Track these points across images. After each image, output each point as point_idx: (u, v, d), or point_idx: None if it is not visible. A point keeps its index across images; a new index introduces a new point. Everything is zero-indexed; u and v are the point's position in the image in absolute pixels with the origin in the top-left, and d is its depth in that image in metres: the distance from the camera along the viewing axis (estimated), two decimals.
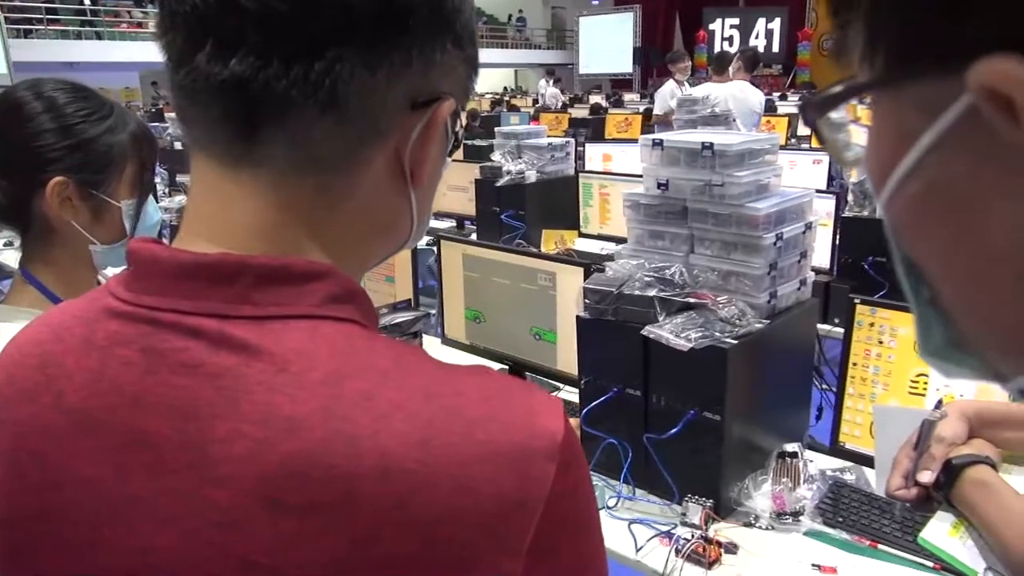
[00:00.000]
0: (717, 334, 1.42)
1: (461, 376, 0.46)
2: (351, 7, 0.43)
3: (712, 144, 1.46)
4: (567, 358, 1.95)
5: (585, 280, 1.72)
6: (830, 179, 3.76)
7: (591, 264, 1.88)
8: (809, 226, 1.58)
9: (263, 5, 0.42)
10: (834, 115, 0.31)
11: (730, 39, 20.95)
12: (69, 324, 0.49)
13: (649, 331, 1.45)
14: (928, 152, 0.25)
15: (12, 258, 1.13)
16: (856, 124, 0.33)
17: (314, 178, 0.47)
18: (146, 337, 0.45)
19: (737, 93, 5.68)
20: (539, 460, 0.43)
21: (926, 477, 0.90)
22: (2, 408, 0.49)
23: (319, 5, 0.43)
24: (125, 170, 1.10)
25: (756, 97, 5.96)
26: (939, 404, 0.94)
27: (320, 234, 0.48)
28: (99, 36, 15.85)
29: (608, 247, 3.28)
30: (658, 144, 1.55)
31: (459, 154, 5.11)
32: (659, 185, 1.56)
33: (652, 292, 1.49)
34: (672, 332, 1.43)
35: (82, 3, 16.56)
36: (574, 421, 1.72)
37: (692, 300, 1.48)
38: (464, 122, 0.55)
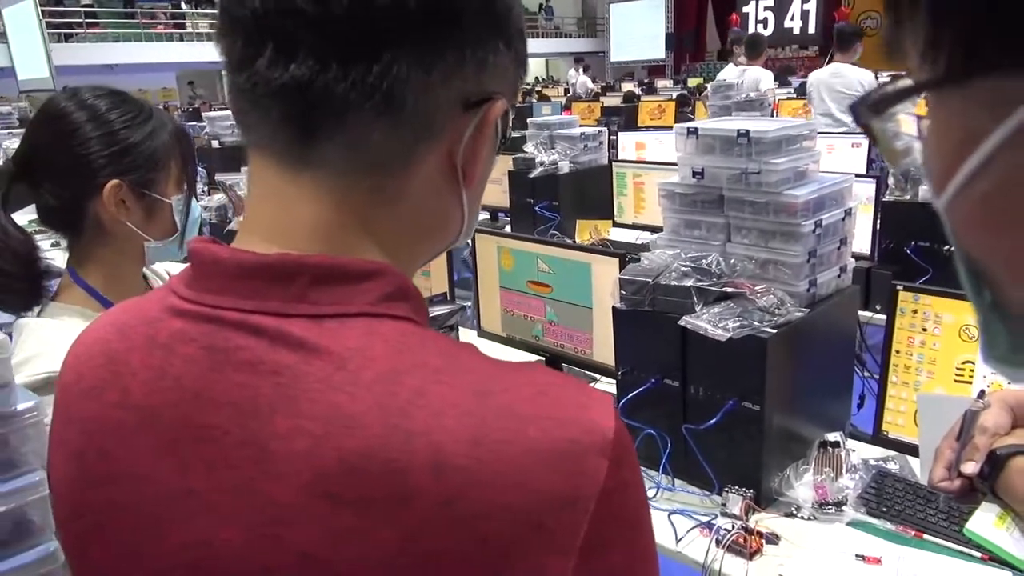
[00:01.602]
0: (756, 323, 1.41)
1: (513, 373, 0.46)
2: (406, 8, 0.44)
3: (748, 131, 1.45)
4: (603, 349, 1.95)
5: (620, 271, 1.71)
6: (870, 163, 3.68)
7: (626, 254, 1.87)
8: (849, 212, 1.56)
9: (321, 9, 0.43)
10: (901, 109, 0.30)
11: (764, 21, 20.59)
12: (134, 323, 0.51)
13: (687, 321, 1.44)
14: (997, 151, 0.25)
15: (60, 258, 1.16)
16: (908, 115, 0.32)
17: (370, 179, 0.48)
18: (208, 335, 0.46)
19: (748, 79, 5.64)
20: (591, 457, 0.43)
21: (970, 468, 0.89)
22: (71, 406, 0.51)
23: (375, 7, 0.43)
24: (171, 168, 1.14)
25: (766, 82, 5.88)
26: (982, 394, 0.92)
27: (375, 233, 0.49)
28: (137, 38, 16.15)
29: (643, 236, 3.26)
30: (693, 132, 1.54)
31: None
32: (694, 174, 1.55)
33: (689, 282, 1.48)
34: (710, 322, 1.42)
35: (122, 6, 16.89)
36: None
37: (729, 289, 1.47)
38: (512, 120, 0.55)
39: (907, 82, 0.27)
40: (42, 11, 11.30)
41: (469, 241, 2.29)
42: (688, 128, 1.54)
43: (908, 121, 0.30)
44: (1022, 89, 0.23)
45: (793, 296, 1.47)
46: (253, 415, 0.44)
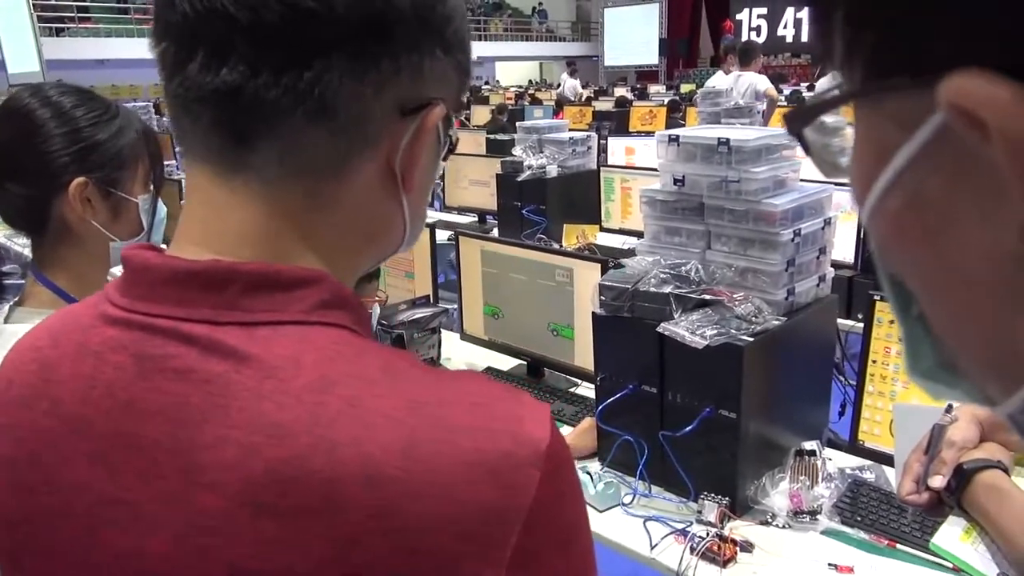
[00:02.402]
0: (733, 331, 1.41)
1: (449, 383, 0.46)
2: (339, 17, 0.44)
3: (728, 140, 1.45)
4: (585, 354, 1.95)
5: (603, 276, 1.71)
6: None
7: (608, 260, 1.88)
8: (828, 222, 1.56)
9: (253, 15, 0.43)
10: (829, 119, 0.30)
11: (757, 28, 20.69)
12: (67, 330, 0.50)
13: (664, 328, 1.45)
14: (905, 169, 0.25)
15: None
16: (837, 126, 0.32)
17: (305, 185, 0.47)
18: (139, 343, 0.46)
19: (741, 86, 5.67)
20: (523, 468, 0.43)
21: (937, 482, 0.89)
22: (2, 413, 0.50)
23: (307, 15, 0.43)
24: (137, 167, 1.13)
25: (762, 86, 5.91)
26: (950, 408, 0.93)
27: (312, 240, 0.48)
28: (129, 33, 16.07)
29: (630, 241, 3.26)
30: (674, 140, 1.54)
31: (482, 148, 5.10)
32: (675, 181, 1.55)
33: (668, 289, 1.48)
34: (687, 329, 1.42)
35: (116, 1, 16.81)
36: (587, 421, 1.72)
37: (708, 297, 1.47)
38: (457, 126, 0.55)
39: (834, 93, 0.27)
40: (33, 4, 11.24)
41: (453, 244, 2.29)
42: (669, 135, 1.55)
43: (838, 131, 0.30)
44: (926, 106, 0.22)
45: (771, 304, 1.47)
46: (183, 424, 0.43)
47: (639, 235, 2.68)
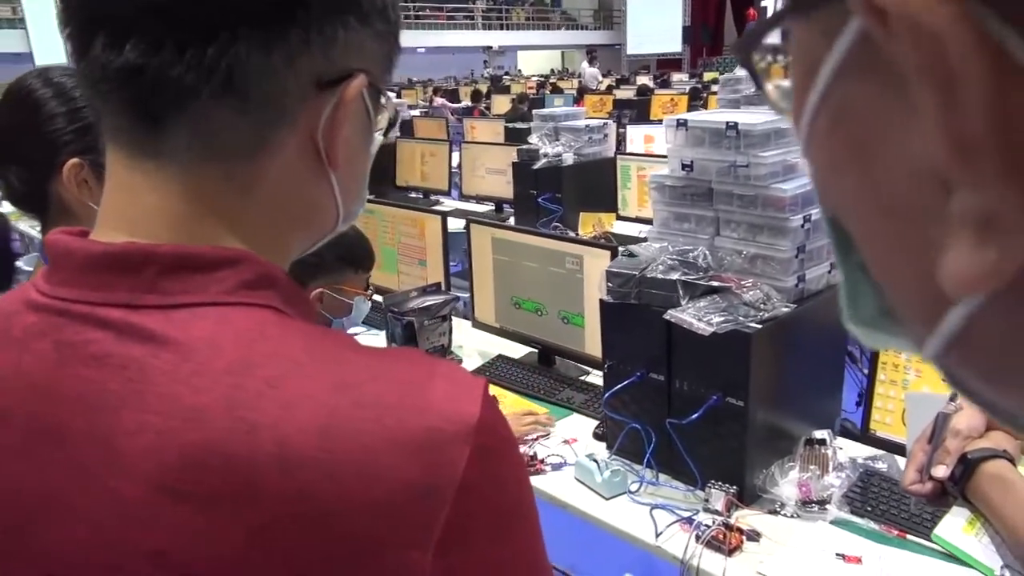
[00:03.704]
0: (741, 318, 1.39)
1: (379, 362, 0.45)
2: None
3: (736, 124, 1.43)
4: (595, 341, 1.93)
5: (611, 263, 1.70)
6: None
7: (618, 247, 1.86)
8: None
9: None
10: (774, 44, 0.28)
11: None
12: None
13: (671, 315, 1.43)
14: (830, 84, 0.23)
15: None
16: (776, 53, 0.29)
17: (220, 165, 0.46)
18: (59, 329, 0.45)
19: None
20: (451, 446, 0.41)
21: (940, 472, 0.87)
22: None
23: None
24: None
25: None
26: (955, 396, 0.91)
27: (234, 222, 0.47)
28: None
29: (646, 230, 3.24)
30: (682, 124, 1.52)
31: (500, 137, 5.09)
32: (684, 166, 1.53)
33: (675, 275, 1.47)
34: (694, 316, 1.41)
35: None
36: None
37: (716, 284, 1.45)
38: (393, 100, 0.53)
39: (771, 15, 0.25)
40: None
41: (465, 232, 2.28)
42: (677, 120, 1.53)
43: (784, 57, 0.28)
44: (847, 12, 0.21)
45: (781, 291, 1.45)
46: (100, 410, 0.42)
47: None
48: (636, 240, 3.00)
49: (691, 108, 7.43)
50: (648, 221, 3.43)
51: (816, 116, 0.24)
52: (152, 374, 0.42)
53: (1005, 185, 0.17)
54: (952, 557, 1.24)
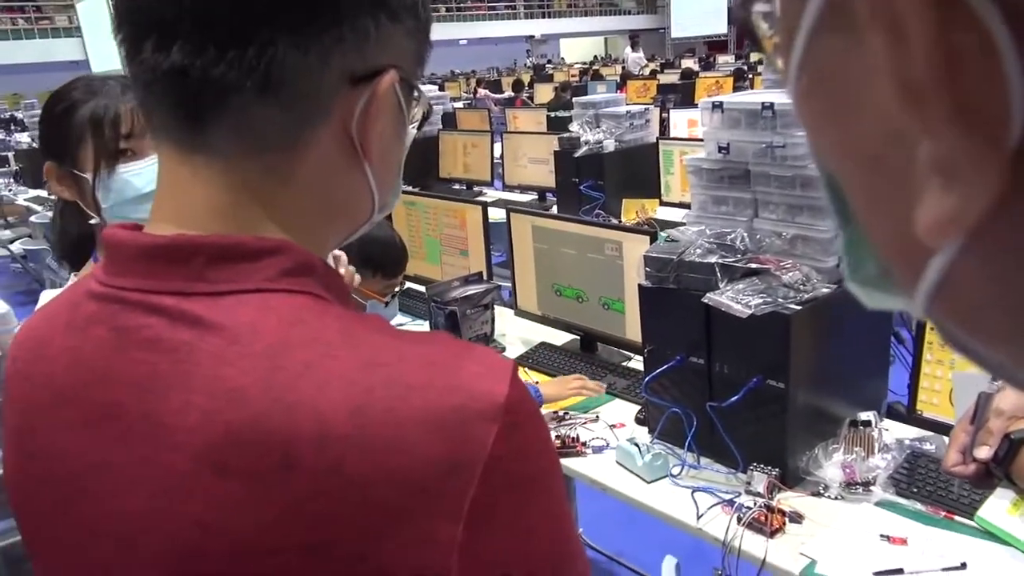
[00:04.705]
0: (780, 300, 1.38)
1: (408, 344, 0.47)
2: None
3: (772, 104, 1.41)
4: (636, 327, 1.94)
5: (649, 248, 1.70)
6: None
7: (657, 232, 1.86)
8: None
9: None
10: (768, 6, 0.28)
11: None
12: (59, 308, 0.54)
13: (709, 298, 1.43)
14: (807, 43, 0.23)
15: None
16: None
17: (262, 159, 0.49)
18: (115, 316, 0.49)
19: None
20: (478, 423, 0.43)
21: (983, 453, 0.86)
22: (9, 388, 0.55)
23: None
24: (83, 144, 1.15)
25: None
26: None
27: (275, 213, 0.50)
28: None
29: (688, 214, 3.21)
30: (718, 106, 1.51)
31: (543, 127, 5.09)
32: (720, 148, 1.52)
33: (713, 259, 1.46)
34: (732, 299, 1.40)
35: None
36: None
37: (754, 266, 1.45)
38: (424, 92, 0.55)
39: None
40: (113, 4, 11.72)
41: (506, 222, 2.30)
42: (713, 102, 1.52)
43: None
44: None
45: (822, 272, 1.44)
46: (152, 390, 0.46)
47: None
48: (680, 225, 2.99)
49: (736, 89, 7.31)
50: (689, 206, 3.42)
51: (799, 76, 0.24)
52: (199, 357, 0.45)
53: (954, 130, 0.18)
54: (1005, 539, 1.22)
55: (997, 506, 0.85)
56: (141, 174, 1.19)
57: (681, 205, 3.58)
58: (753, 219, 1.53)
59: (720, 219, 1.58)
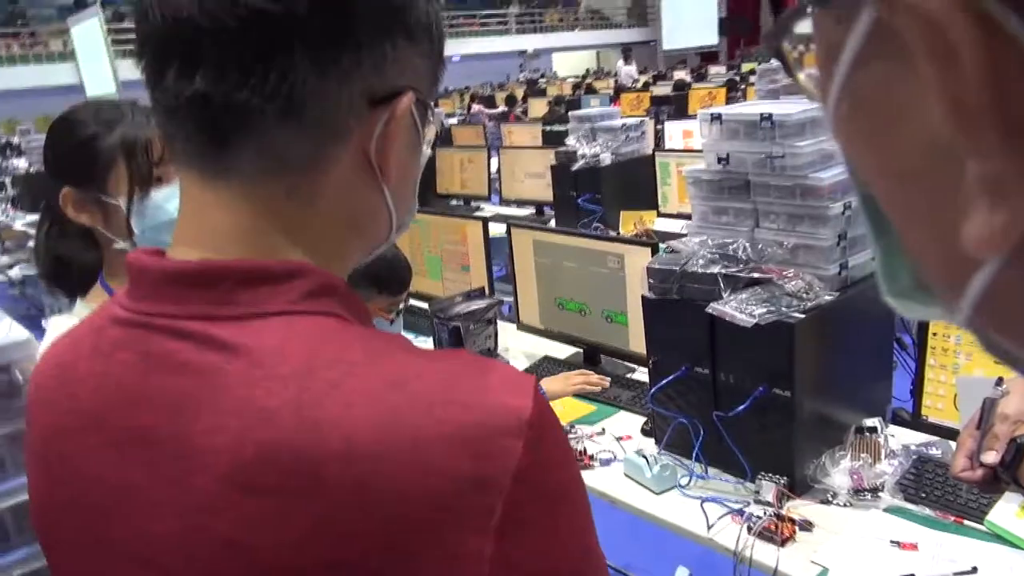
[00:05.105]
0: (784, 309, 1.39)
1: (430, 362, 0.48)
2: (296, 16, 0.46)
3: (771, 115, 1.43)
4: (640, 339, 1.95)
5: (651, 260, 1.71)
6: None
7: (658, 244, 1.87)
8: None
9: (215, 21, 0.45)
10: (803, 32, 0.29)
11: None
12: (83, 334, 0.55)
13: (713, 308, 1.44)
14: (850, 67, 0.24)
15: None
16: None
17: (283, 182, 0.50)
18: (142, 341, 0.49)
19: None
20: (502, 438, 0.44)
21: (991, 458, 0.87)
22: (33, 415, 0.56)
23: (265, 17, 0.45)
24: (115, 170, 1.16)
25: None
26: (1001, 380, 0.90)
27: (296, 235, 0.51)
28: None
29: (689, 226, 3.23)
30: (716, 118, 1.53)
31: (538, 141, 5.12)
32: (719, 160, 1.54)
33: (716, 269, 1.47)
34: (736, 308, 1.41)
35: None
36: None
37: (757, 275, 1.46)
38: (442, 112, 0.56)
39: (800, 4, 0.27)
40: (108, 28, 11.75)
41: (506, 236, 2.32)
42: (711, 114, 1.53)
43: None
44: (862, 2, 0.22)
45: (824, 280, 1.45)
46: (181, 413, 0.47)
47: None
48: (679, 236, 3.01)
49: (729, 100, 7.35)
50: (689, 217, 3.44)
51: (840, 99, 0.25)
52: (227, 379, 0.46)
53: (1005, 151, 0.19)
54: (1011, 542, 1.22)
55: (1006, 510, 0.86)
56: (173, 199, 1.20)
57: (679, 216, 3.60)
58: (754, 229, 1.54)
59: (721, 229, 1.59)
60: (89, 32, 11.78)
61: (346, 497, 0.43)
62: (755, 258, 1.48)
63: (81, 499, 0.51)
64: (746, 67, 12.90)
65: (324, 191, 0.51)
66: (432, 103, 0.55)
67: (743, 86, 8.39)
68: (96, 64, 11.75)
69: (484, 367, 0.48)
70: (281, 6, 0.45)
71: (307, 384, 0.45)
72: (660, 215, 3.70)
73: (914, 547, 1.28)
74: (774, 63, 5.36)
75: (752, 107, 1.53)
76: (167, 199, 1.17)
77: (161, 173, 1.16)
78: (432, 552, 0.43)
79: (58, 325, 1.11)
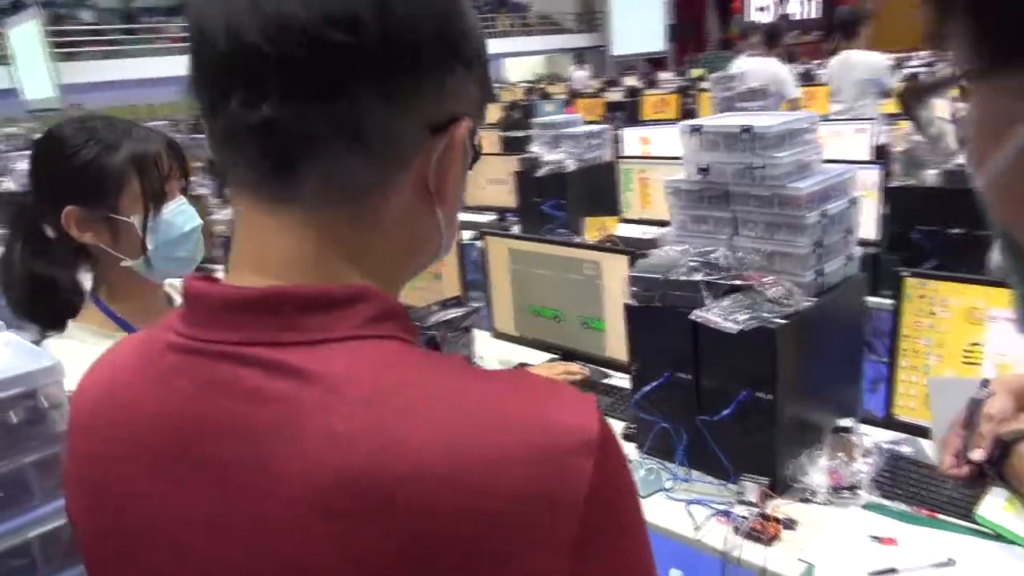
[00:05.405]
0: (765, 315, 1.44)
1: (494, 382, 0.49)
2: (366, 46, 0.47)
3: (751, 127, 1.47)
4: (616, 345, 1.98)
5: (631, 267, 1.75)
6: (876, 149, 3.69)
7: (635, 251, 1.91)
8: (854, 201, 1.59)
9: (284, 50, 0.46)
10: (942, 98, 0.33)
11: (766, 8, 20.50)
12: (134, 360, 0.54)
13: (697, 315, 1.47)
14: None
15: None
16: (946, 102, 0.34)
17: (346, 208, 0.51)
18: (203, 368, 0.49)
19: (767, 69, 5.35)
20: (574, 458, 0.45)
21: (977, 455, 0.92)
22: (75, 440, 0.55)
23: (336, 47, 0.46)
24: (127, 187, 1.14)
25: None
26: (987, 382, 0.95)
27: (357, 259, 0.52)
28: (142, 53, 16.22)
29: (650, 231, 3.29)
30: (696, 130, 1.57)
31: (496, 147, 5.11)
32: (700, 170, 1.58)
33: (698, 276, 1.51)
34: (720, 315, 1.45)
35: (123, 22, 16.99)
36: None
37: (738, 282, 1.50)
38: (479, 137, 0.57)
39: (946, 72, 0.30)
40: (46, 30, 11.37)
41: (477, 243, 2.33)
42: (692, 125, 1.57)
43: (943, 106, 0.33)
44: None
45: (801, 286, 1.50)
46: (252, 440, 0.46)
47: (660, 223, 2.71)
48: (643, 242, 3.06)
49: (683, 105, 7.49)
50: (652, 222, 3.51)
51: (1006, 167, 0.28)
52: (302, 406, 0.46)
53: None
54: (985, 534, 1.29)
55: (993, 504, 0.91)
56: (181, 214, 1.19)
57: (640, 221, 3.67)
58: (733, 237, 1.59)
59: (700, 237, 1.63)
60: (26, 35, 11.40)
61: (420, 521, 0.43)
62: (735, 266, 1.53)
63: (134, 524, 0.51)
64: (695, 72, 13.13)
65: (385, 216, 0.52)
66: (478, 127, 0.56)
67: (693, 92, 8.54)
68: (34, 67, 11.37)
69: (546, 387, 0.49)
70: (352, 37, 0.46)
71: (380, 409, 0.45)
72: (622, 220, 3.75)
73: (893, 542, 1.33)
74: (729, 70, 5.45)
75: (731, 119, 1.58)
76: (175, 214, 1.16)
77: (168, 188, 1.15)
78: (512, 571, 0.44)
79: (58, 349, 1.09)
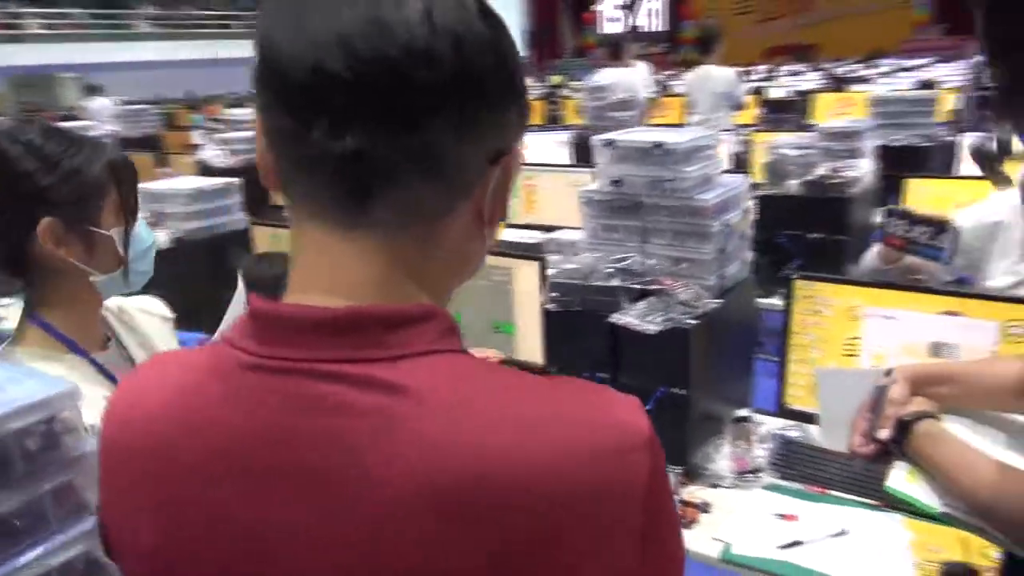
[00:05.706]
0: (677, 316, 1.56)
1: (558, 388, 0.54)
2: (444, 83, 0.50)
3: (663, 143, 1.59)
4: (527, 347, 2.05)
5: (540, 272, 1.83)
6: (735, 157, 4.01)
7: (544, 258, 1.99)
8: (747, 211, 1.75)
9: (367, 83, 0.49)
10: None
11: (616, 19, 21.44)
12: (201, 379, 0.54)
13: (616, 318, 1.58)
14: None
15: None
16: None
17: (416, 233, 0.54)
18: (289, 385, 0.51)
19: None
20: (635, 453, 0.50)
21: (884, 434, 1.05)
22: (139, 466, 0.55)
23: (415, 81, 0.50)
24: (107, 199, 1.10)
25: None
26: (889, 372, 1.09)
27: (421, 279, 0.55)
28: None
29: (536, 235, 3.40)
30: (609, 144, 1.67)
31: None
32: (613, 182, 1.68)
33: (615, 282, 1.62)
34: (637, 317, 1.56)
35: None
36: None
37: (652, 287, 1.62)
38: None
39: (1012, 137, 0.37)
40: None
41: None
42: (604, 140, 1.67)
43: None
44: None
45: (706, 289, 1.64)
46: (349, 451, 0.49)
47: (544, 228, 2.82)
48: (528, 246, 3.16)
49: (550, 111, 7.71)
50: (537, 227, 3.61)
51: None
52: (398, 416, 0.49)
53: None
54: (871, 504, 1.47)
55: (899, 477, 1.05)
56: (144, 227, 1.15)
57: (526, 227, 3.77)
58: (642, 244, 1.70)
59: (612, 245, 1.74)
60: None
61: (509, 515, 0.47)
62: (648, 271, 1.64)
63: (228, 541, 0.51)
64: (554, 79, 13.48)
65: (445, 240, 0.56)
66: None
67: (557, 98, 8.82)
68: None
69: (600, 390, 0.55)
70: (433, 75, 0.50)
71: (465, 416, 0.49)
72: (508, 226, 3.85)
73: (795, 517, 1.49)
74: (598, 81, 5.67)
75: (643, 134, 1.69)
76: (141, 226, 1.11)
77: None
78: (595, 564, 0.49)
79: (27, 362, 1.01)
